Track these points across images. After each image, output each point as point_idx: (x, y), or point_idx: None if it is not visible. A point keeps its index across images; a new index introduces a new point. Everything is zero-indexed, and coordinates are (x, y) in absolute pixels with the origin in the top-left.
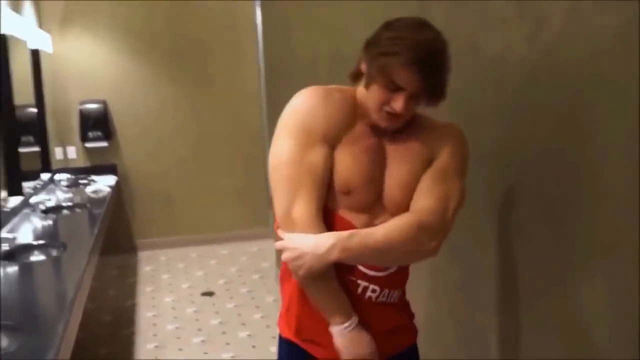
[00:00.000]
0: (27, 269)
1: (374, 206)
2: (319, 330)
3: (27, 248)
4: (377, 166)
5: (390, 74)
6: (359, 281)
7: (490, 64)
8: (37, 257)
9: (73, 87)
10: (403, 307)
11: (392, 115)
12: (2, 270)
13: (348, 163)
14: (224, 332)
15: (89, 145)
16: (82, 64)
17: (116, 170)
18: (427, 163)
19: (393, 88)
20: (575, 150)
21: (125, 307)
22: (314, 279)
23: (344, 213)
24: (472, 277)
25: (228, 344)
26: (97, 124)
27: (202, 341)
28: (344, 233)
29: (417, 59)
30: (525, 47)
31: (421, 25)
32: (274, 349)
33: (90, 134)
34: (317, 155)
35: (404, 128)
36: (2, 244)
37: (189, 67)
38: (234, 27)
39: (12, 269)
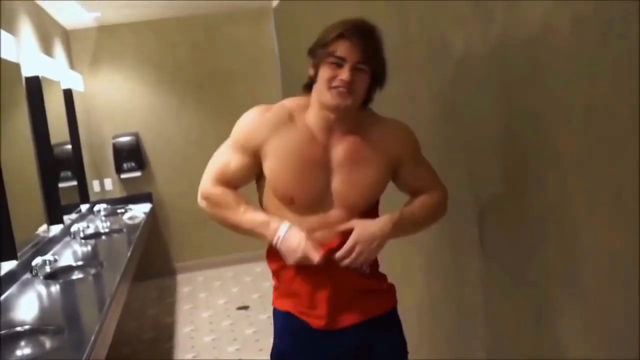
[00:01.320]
0: (67, 285)
1: (321, 206)
2: (312, 302)
3: (68, 269)
4: (322, 171)
5: (331, 49)
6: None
7: (458, 60)
8: (76, 275)
9: (105, 122)
10: (375, 276)
11: (342, 92)
12: (44, 287)
13: (287, 175)
14: (257, 340)
15: (124, 176)
16: (112, 100)
17: (151, 198)
18: (391, 158)
19: (336, 62)
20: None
21: (165, 324)
22: (232, 216)
23: (292, 218)
24: (461, 256)
25: (261, 350)
26: (131, 155)
27: (237, 349)
28: (395, 215)
29: (350, 28)
30: (481, 43)
31: (355, 16)
32: None
33: (125, 165)
34: (236, 159)
35: (353, 128)
36: (45, 266)
37: (213, 95)
38: (254, 55)
39: (55, 286)
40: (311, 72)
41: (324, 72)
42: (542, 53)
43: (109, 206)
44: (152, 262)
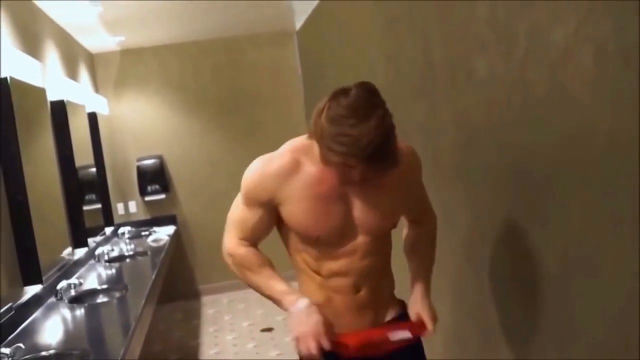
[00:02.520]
0: (92, 309)
1: (346, 236)
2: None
3: (93, 292)
4: (341, 203)
5: (341, 159)
6: None
7: (481, 84)
8: (101, 299)
9: (130, 145)
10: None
11: (354, 180)
12: (69, 311)
13: (307, 218)
14: None
15: (148, 198)
16: (136, 122)
17: (175, 220)
18: (402, 181)
19: (347, 165)
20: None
21: (190, 346)
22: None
23: (319, 252)
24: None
25: None
26: (155, 177)
27: None
28: (424, 285)
29: (361, 158)
30: (502, 66)
31: (362, 114)
32: None
33: (149, 188)
34: (252, 214)
35: None
36: (70, 290)
37: (237, 118)
38: (277, 77)
39: (79, 310)
40: (314, 137)
41: (334, 165)
42: (564, 77)
43: (133, 229)
44: (176, 284)
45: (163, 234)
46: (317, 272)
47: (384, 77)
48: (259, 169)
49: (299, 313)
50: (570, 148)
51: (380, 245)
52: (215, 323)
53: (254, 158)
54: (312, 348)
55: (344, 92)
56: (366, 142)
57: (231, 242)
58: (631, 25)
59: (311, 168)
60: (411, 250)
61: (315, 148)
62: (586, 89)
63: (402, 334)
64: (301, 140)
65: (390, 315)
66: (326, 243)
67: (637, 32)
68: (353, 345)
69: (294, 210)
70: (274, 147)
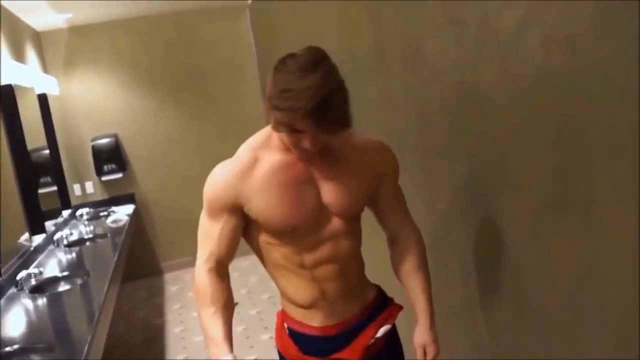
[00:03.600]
0: (54, 299)
1: (321, 220)
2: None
3: (54, 280)
4: (310, 187)
5: (288, 124)
6: None
7: (432, 65)
8: (63, 287)
9: (83, 125)
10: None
11: (307, 151)
12: (31, 301)
13: (278, 209)
14: (247, 337)
15: (105, 178)
16: (89, 102)
17: (134, 199)
18: (372, 172)
19: (296, 132)
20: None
21: (155, 326)
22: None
23: (297, 241)
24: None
25: (252, 347)
26: (111, 157)
27: None
28: (428, 314)
29: (306, 111)
30: (454, 49)
31: (307, 68)
32: None
33: (105, 168)
34: (216, 224)
35: (331, 145)
36: (31, 279)
37: (192, 93)
38: (232, 50)
39: (41, 300)
40: (270, 119)
41: (286, 136)
42: (512, 63)
43: (92, 210)
44: (138, 263)
45: (122, 214)
46: (302, 265)
47: (337, 56)
48: (218, 174)
49: None
50: (521, 131)
51: (356, 227)
52: (179, 300)
53: (210, 133)
54: None
55: (291, 55)
56: (311, 94)
57: (197, 266)
58: (578, 13)
59: (272, 157)
60: (403, 274)
61: (274, 137)
62: (534, 74)
63: (385, 327)
64: (258, 135)
65: (371, 295)
66: (304, 232)
67: (584, 20)
68: (356, 358)
69: (262, 204)
70: (229, 119)
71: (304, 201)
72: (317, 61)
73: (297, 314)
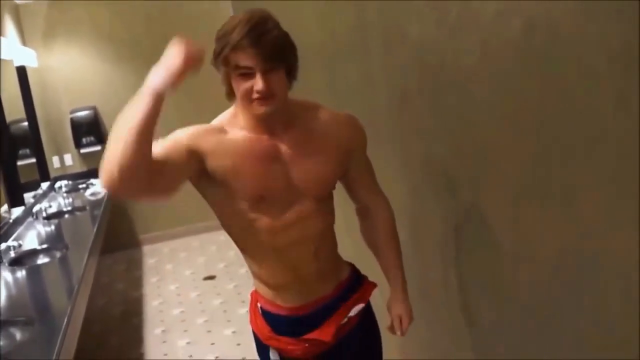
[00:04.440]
0: (33, 272)
1: (291, 200)
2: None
3: (33, 253)
4: (278, 165)
5: (233, 62)
6: None
7: (413, 48)
8: (42, 260)
9: (62, 97)
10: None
11: (263, 99)
12: (10, 274)
13: (246, 174)
14: (225, 311)
15: (83, 150)
16: (68, 74)
17: None
18: (341, 147)
19: (245, 73)
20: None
21: (133, 299)
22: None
23: (268, 220)
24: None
25: (229, 321)
26: (90, 129)
27: (205, 321)
28: (400, 280)
29: (244, 36)
30: (435, 32)
31: (244, 13)
32: None
33: (84, 140)
34: (171, 144)
35: (293, 119)
36: (10, 252)
37: None
38: (213, 26)
39: (20, 273)
40: (224, 83)
41: (237, 85)
42: (493, 48)
43: (70, 182)
44: (116, 235)
45: (100, 186)
46: (274, 247)
47: (318, 35)
48: (191, 128)
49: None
50: (500, 115)
51: (328, 205)
52: (157, 273)
53: (188, 109)
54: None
55: None
56: (243, 23)
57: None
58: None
59: (240, 132)
60: (374, 245)
61: (240, 116)
62: (515, 61)
63: (359, 306)
64: (224, 113)
65: (345, 274)
66: (272, 205)
67: (564, 8)
68: (329, 338)
69: (228, 164)
70: (209, 95)
71: (272, 175)
72: (258, 12)
73: (269, 294)
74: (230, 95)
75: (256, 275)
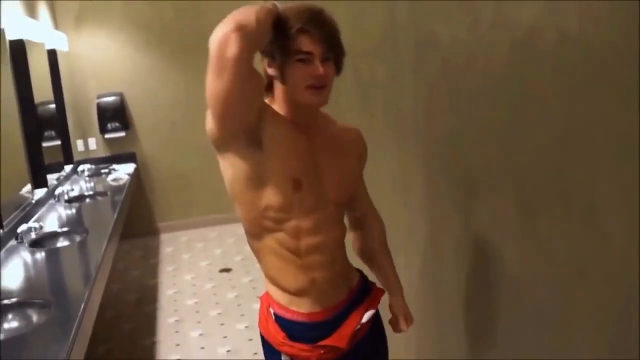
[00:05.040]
0: (53, 254)
1: (320, 199)
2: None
3: (53, 235)
4: (313, 161)
5: (295, 47)
6: None
7: (444, 52)
8: (62, 243)
9: (90, 82)
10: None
11: (318, 88)
12: (30, 255)
13: (291, 156)
14: (239, 305)
15: (108, 136)
16: (97, 60)
17: (135, 158)
18: (360, 160)
19: (304, 58)
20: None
21: (148, 286)
22: None
23: (296, 217)
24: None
25: (243, 315)
26: (115, 115)
27: (219, 314)
28: (398, 285)
29: (307, 20)
30: (465, 36)
31: (299, 4)
32: None
33: (109, 125)
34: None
35: (322, 122)
36: (31, 233)
37: (200, 58)
38: None
39: (40, 254)
40: (271, 72)
41: (295, 71)
42: (525, 56)
43: (93, 166)
44: (135, 222)
45: (122, 172)
46: (295, 252)
47: (348, 34)
48: None
49: None
50: (526, 126)
51: (342, 214)
52: (173, 262)
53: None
54: None
55: None
56: (312, 10)
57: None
58: (594, 17)
59: (283, 121)
60: (368, 254)
61: (279, 107)
62: (545, 72)
63: (370, 312)
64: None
65: (355, 280)
66: (306, 197)
67: (599, 25)
68: (344, 344)
69: (278, 132)
70: None
71: (310, 165)
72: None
73: (284, 300)
74: (268, 88)
75: (273, 281)
